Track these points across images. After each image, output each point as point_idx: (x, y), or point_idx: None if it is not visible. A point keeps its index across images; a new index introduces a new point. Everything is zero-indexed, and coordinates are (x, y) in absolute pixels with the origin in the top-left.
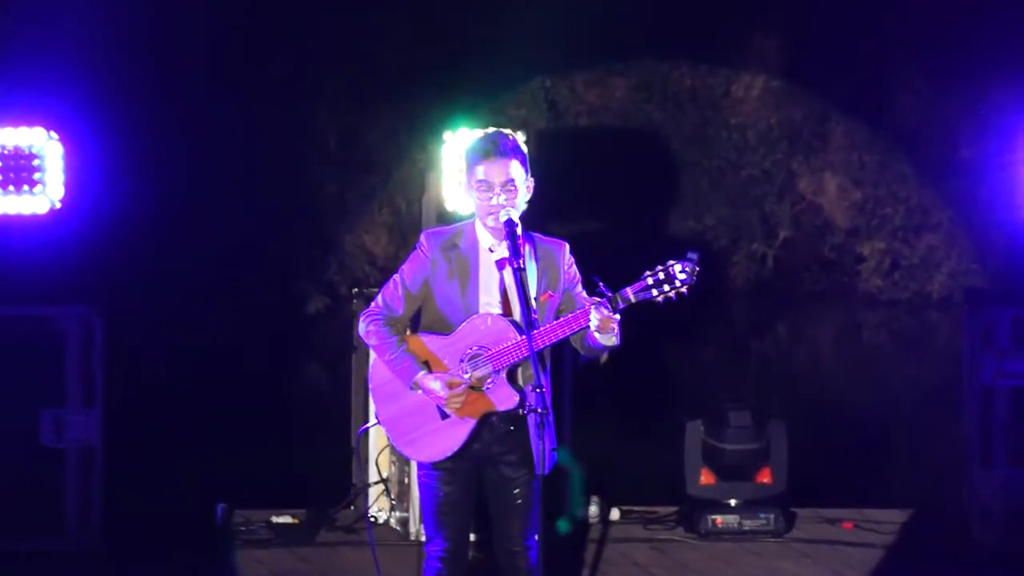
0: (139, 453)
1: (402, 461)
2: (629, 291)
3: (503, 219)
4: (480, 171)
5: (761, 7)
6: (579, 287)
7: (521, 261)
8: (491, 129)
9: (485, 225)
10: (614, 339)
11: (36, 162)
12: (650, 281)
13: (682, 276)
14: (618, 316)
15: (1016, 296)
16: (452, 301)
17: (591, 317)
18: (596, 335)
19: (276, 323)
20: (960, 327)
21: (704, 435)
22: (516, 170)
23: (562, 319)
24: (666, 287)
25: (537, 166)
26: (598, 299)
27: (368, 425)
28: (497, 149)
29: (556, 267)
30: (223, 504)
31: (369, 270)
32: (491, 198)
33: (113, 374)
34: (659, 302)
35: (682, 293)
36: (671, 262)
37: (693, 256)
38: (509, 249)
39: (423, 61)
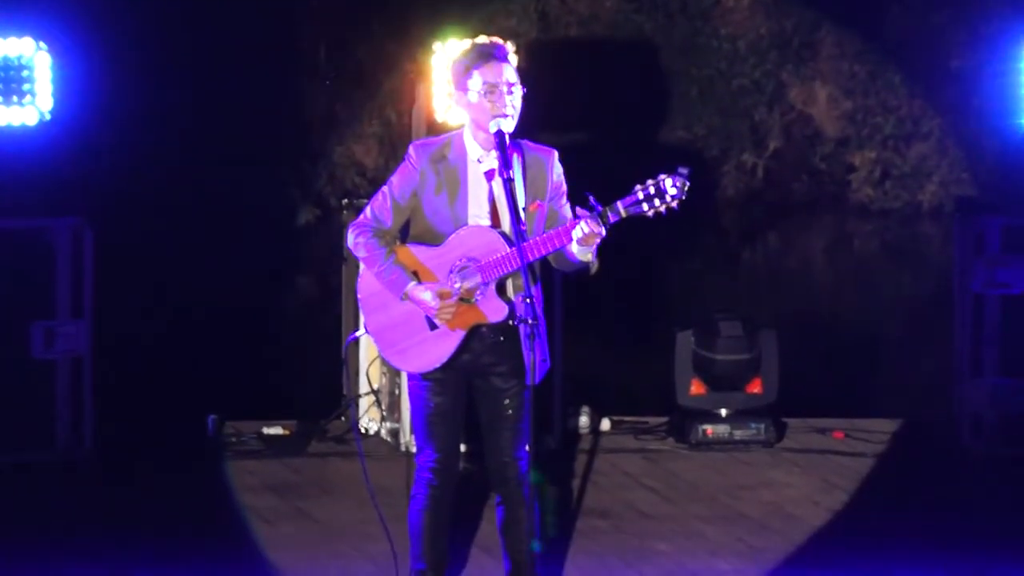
0: (130, 364)
1: (393, 372)
2: (620, 205)
3: (493, 131)
4: (484, 74)
5: None
6: (564, 200)
7: (510, 172)
8: (482, 38)
9: (486, 131)
10: (590, 255)
11: (25, 73)
12: (640, 196)
13: (672, 191)
14: (604, 232)
15: (1007, 205)
16: (441, 212)
17: (578, 226)
18: (575, 248)
19: (266, 234)
20: (951, 236)
21: (695, 345)
22: (514, 74)
23: (552, 232)
24: (656, 202)
25: (527, 77)
26: (587, 212)
27: (356, 334)
28: (497, 52)
29: (544, 175)
30: (214, 416)
31: (359, 181)
32: (499, 98)
33: (103, 285)
34: (649, 216)
35: (672, 208)
36: (662, 177)
37: (684, 171)
38: (499, 160)
39: None
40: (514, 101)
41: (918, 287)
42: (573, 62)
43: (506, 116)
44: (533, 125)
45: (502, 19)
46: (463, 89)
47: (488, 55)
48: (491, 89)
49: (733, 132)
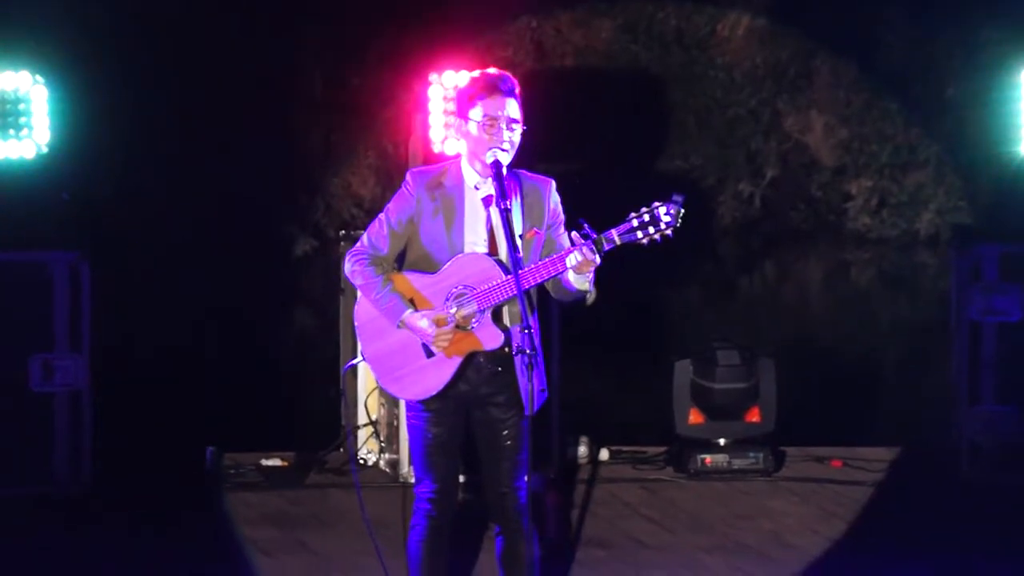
0: (128, 397)
1: (391, 403)
2: (614, 232)
3: (489, 160)
4: (487, 106)
5: None
6: (562, 229)
7: (508, 202)
8: (492, 69)
9: (482, 161)
10: (587, 284)
11: (22, 106)
12: (635, 223)
13: (667, 218)
14: (599, 260)
15: (1003, 233)
16: (437, 240)
17: (572, 254)
18: (572, 277)
19: (263, 266)
20: (948, 264)
21: (693, 375)
22: (517, 111)
23: (548, 259)
24: (651, 229)
25: (523, 106)
26: (582, 240)
27: (353, 361)
28: (503, 85)
29: (541, 204)
30: (212, 448)
31: (356, 212)
32: (497, 132)
33: (101, 318)
34: (644, 244)
35: (667, 235)
36: (656, 204)
37: (678, 198)
38: (496, 190)
39: (408, 2)
40: (512, 137)
41: (915, 315)
42: (569, 92)
43: (503, 151)
44: (529, 154)
45: (498, 49)
46: (464, 117)
47: (494, 88)
48: (491, 122)
49: (729, 161)
